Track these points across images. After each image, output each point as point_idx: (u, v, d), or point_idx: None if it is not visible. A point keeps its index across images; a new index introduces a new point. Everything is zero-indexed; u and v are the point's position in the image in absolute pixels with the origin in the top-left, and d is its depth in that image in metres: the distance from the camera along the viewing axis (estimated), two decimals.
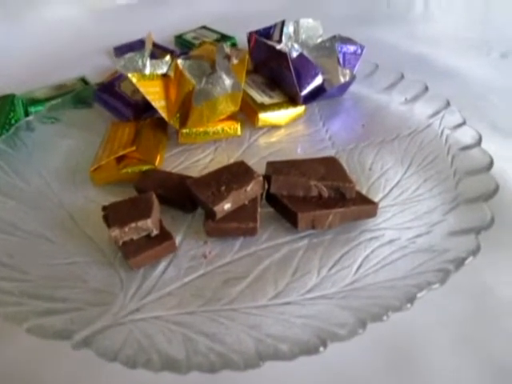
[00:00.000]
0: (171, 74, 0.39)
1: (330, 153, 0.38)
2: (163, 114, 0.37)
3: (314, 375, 0.24)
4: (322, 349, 0.21)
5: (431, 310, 0.27)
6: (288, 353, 0.21)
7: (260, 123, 0.42)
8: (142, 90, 0.37)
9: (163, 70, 0.40)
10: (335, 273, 0.28)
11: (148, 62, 0.41)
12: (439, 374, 0.24)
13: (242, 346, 0.22)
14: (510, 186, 0.34)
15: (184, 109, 0.38)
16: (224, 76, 0.38)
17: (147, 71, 0.39)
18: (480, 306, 0.28)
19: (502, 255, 0.30)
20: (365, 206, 0.32)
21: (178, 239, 0.31)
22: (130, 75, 0.36)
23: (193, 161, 0.39)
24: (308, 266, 0.29)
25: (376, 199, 0.33)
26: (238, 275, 0.29)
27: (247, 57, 0.40)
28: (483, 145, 0.34)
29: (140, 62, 0.40)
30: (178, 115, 0.38)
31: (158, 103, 0.37)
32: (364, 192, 0.34)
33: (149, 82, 0.37)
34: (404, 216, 0.32)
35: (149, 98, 0.37)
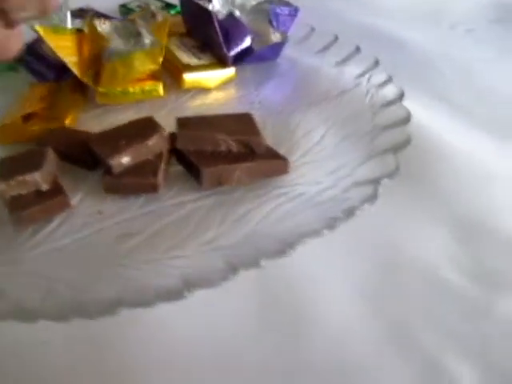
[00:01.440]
0: (88, 32, 0.37)
1: (256, 115, 0.36)
2: (74, 69, 0.35)
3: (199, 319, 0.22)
4: (186, 293, 0.19)
5: (329, 264, 0.26)
6: (149, 298, 0.19)
7: (186, 85, 0.40)
8: (51, 44, 0.35)
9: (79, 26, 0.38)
10: (235, 227, 0.26)
11: (68, 21, 0.39)
12: (329, 325, 0.23)
13: (102, 294, 0.20)
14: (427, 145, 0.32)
15: (98, 66, 0.36)
16: (144, 33, 0.36)
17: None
18: (380, 261, 0.26)
19: (405, 209, 0.29)
20: (275, 161, 0.30)
21: (77, 197, 0.29)
22: (37, 28, 0.34)
23: (111, 122, 0.37)
24: (207, 223, 0.27)
25: (294, 157, 0.31)
26: (132, 231, 0.27)
27: (170, 17, 0.38)
28: (422, 111, 0.32)
29: (57, 19, 0.38)
30: (90, 72, 0.36)
31: (70, 58, 0.35)
32: (283, 151, 0.32)
33: (59, 36, 0.35)
34: (317, 172, 0.30)
35: (59, 53, 0.35)
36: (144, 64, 0.36)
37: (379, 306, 0.24)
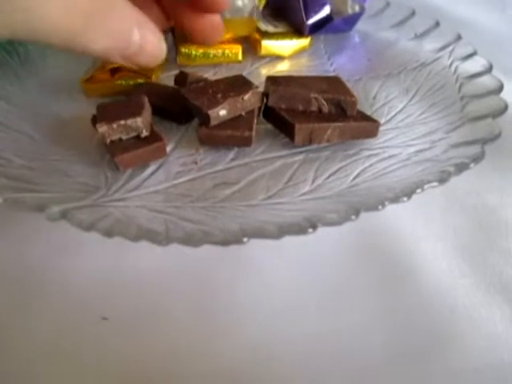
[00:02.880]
0: None
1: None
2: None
3: (300, 259, 0.22)
4: (310, 230, 0.20)
5: (429, 222, 0.26)
6: (274, 231, 0.20)
7: (263, 51, 0.40)
8: None
9: None
10: (331, 181, 0.27)
11: None
12: (430, 278, 0.23)
13: (227, 227, 0.21)
14: None
15: None
16: None
17: None
18: (480, 223, 0.26)
19: (508, 177, 0.28)
20: (366, 123, 0.30)
21: (169, 147, 0.30)
22: None
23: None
24: (303, 176, 0.28)
25: None
26: (229, 181, 0.28)
27: None
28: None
29: None
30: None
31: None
32: None
33: None
34: (406, 136, 0.30)
35: None
36: (240, 30, 0.37)
37: (476, 262, 0.24)
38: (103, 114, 0.28)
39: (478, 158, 0.24)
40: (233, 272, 0.23)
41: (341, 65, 0.41)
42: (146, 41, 0.23)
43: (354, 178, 0.27)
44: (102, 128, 0.27)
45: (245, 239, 0.19)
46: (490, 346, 0.21)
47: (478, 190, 0.28)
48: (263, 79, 0.37)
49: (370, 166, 0.28)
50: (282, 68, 0.41)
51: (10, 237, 0.25)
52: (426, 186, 0.22)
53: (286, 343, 0.21)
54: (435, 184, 0.22)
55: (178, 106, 0.31)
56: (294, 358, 0.20)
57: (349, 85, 0.34)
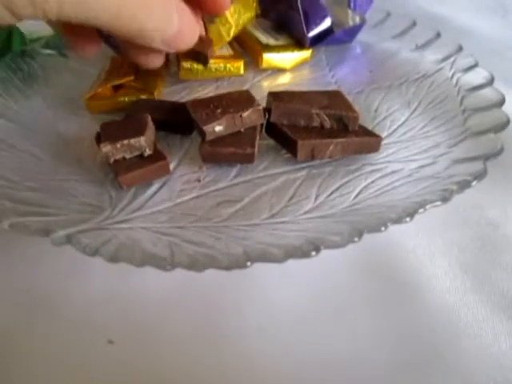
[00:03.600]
0: None
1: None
2: None
3: (304, 277, 0.23)
4: (313, 253, 0.20)
5: (432, 238, 0.26)
6: (278, 255, 0.20)
7: (264, 64, 0.40)
8: None
9: None
10: (333, 199, 0.27)
11: None
12: (435, 297, 0.23)
13: (231, 250, 0.21)
14: None
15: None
16: None
17: None
18: (483, 239, 0.26)
19: (509, 191, 0.29)
20: (368, 138, 0.30)
21: (172, 164, 0.30)
22: None
23: (193, 97, 0.38)
24: (305, 193, 0.28)
25: None
26: (232, 198, 0.28)
27: None
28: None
29: None
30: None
31: None
32: None
33: None
34: (408, 151, 0.30)
35: None
36: (241, 16, 0.37)
37: (480, 280, 0.24)
38: (107, 134, 0.29)
39: (480, 176, 0.24)
40: (237, 291, 0.23)
41: (342, 76, 0.41)
42: (183, 24, 0.24)
43: (357, 196, 0.27)
44: (106, 148, 0.28)
45: (248, 263, 0.19)
46: (494, 363, 0.21)
47: (481, 205, 0.28)
48: (265, 92, 0.37)
49: (373, 182, 0.28)
50: (284, 81, 0.41)
51: (16, 259, 0.25)
52: (428, 206, 0.22)
53: (292, 361, 0.21)
54: (438, 203, 0.22)
55: (180, 118, 0.32)
56: (300, 376, 0.20)
57: (350, 97, 0.34)
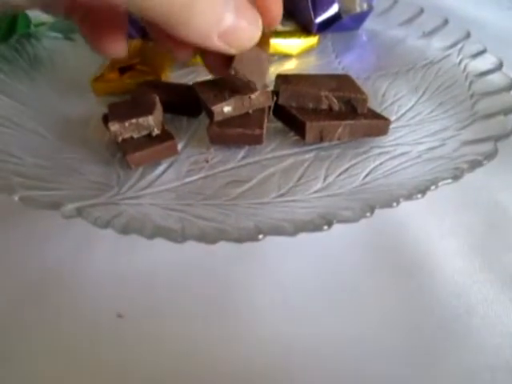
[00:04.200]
0: None
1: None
2: None
3: (314, 257, 0.22)
4: (326, 227, 0.20)
5: (442, 220, 0.26)
6: (289, 228, 0.20)
7: (270, 50, 0.40)
8: None
9: None
10: (343, 179, 0.27)
11: None
12: (444, 276, 0.23)
13: (242, 224, 0.21)
14: None
15: None
16: None
17: None
18: (492, 221, 0.26)
19: None
20: (376, 120, 0.30)
21: (180, 145, 0.30)
22: None
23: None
24: (314, 174, 0.28)
25: None
26: (241, 179, 0.28)
27: None
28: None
29: None
30: None
31: None
32: None
33: None
34: (417, 134, 0.30)
35: None
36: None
37: (489, 259, 0.24)
38: (115, 113, 0.28)
39: (491, 155, 0.24)
40: (247, 269, 0.23)
41: (349, 63, 0.41)
42: (240, 17, 0.22)
43: (366, 176, 0.27)
44: (114, 126, 0.27)
45: (260, 236, 0.19)
46: (504, 343, 0.21)
47: (490, 187, 0.28)
48: (271, 77, 0.37)
49: (381, 163, 0.28)
50: (290, 67, 0.41)
51: (26, 234, 0.25)
52: (440, 183, 0.22)
53: (301, 342, 0.21)
54: (449, 181, 0.22)
55: (188, 100, 0.32)
56: (308, 358, 0.20)
57: (358, 83, 0.34)
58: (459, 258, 0.24)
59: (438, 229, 0.26)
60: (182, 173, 0.28)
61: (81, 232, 0.24)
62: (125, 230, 0.19)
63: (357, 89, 0.31)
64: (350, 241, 0.24)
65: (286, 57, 0.41)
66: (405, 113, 0.33)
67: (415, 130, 0.31)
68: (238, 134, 0.29)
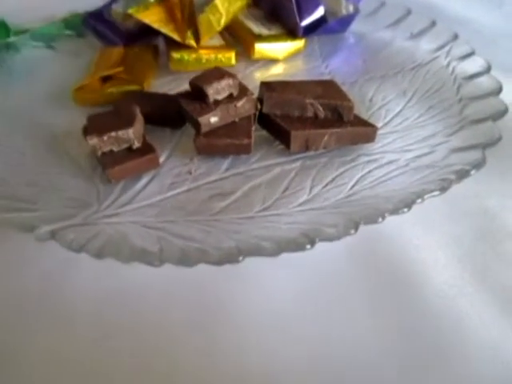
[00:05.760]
0: None
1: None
2: (175, 36, 0.36)
3: (299, 281, 0.22)
4: (308, 246, 0.19)
5: (430, 230, 0.25)
6: (271, 249, 0.19)
7: (256, 54, 0.39)
8: (146, 20, 0.35)
9: None
10: (329, 190, 0.26)
11: None
12: (433, 288, 0.22)
13: (222, 244, 0.20)
14: None
15: (193, 23, 0.36)
16: None
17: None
18: (481, 229, 0.26)
19: (507, 181, 0.28)
20: (363, 128, 0.29)
21: (162, 157, 0.29)
22: (130, 11, 0.34)
23: (183, 88, 0.37)
24: (300, 185, 0.27)
25: None
26: (225, 191, 0.27)
27: None
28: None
29: None
30: (189, 33, 0.36)
31: (167, 28, 0.35)
32: None
33: (150, 10, 0.35)
34: (405, 141, 0.30)
35: (156, 26, 0.35)
36: (231, 4, 0.37)
37: (478, 270, 0.24)
38: (94, 126, 0.28)
39: (478, 165, 0.23)
40: (232, 284, 0.22)
41: (336, 67, 0.40)
42: None
43: (353, 187, 0.26)
44: (93, 140, 0.27)
45: (240, 258, 0.19)
46: (494, 354, 0.20)
47: (478, 194, 0.27)
48: (257, 83, 0.36)
49: (369, 172, 0.27)
50: (277, 71, 0.40)
51: (5, 255, 0.24)
52: (426, 196, 0.21)
53: (288, 354, 0.20)
54: (436, 193, 0.22)
55: (170, 111, 0.31)
56: (297, 369, 0.19)
57: (344, 88, 0.33)
58: (448, 270, 0.23)
59: (426, 239, 0.25)
60: (164, 186, 0.27)
61: (63, 251, 0.23)
62: (100, 254, 0.19)
63: (343, 96, 0.30)
64: (335, 253, 0.24)
65: (272, 61, 0.41)
66: (393, 118, 0.33)
67: (403, 137, 0.30)
68: (225, 144, 0.29)
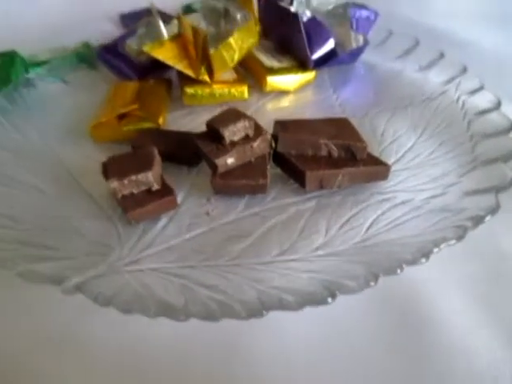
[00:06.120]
0: (184, 32, 0.38)
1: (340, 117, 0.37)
2: (189, 72, 0.37)
3: (320, 329, 0.22)
4: (330, 300, 0.19)
5: (445, 270, 0.26)
6: (293, 303, 0.19)
7: (268, 87, 0.40)
8: (161, 57, 0.36)
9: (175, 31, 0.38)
10: (344, 232, 0.27)
11: (163, 31, 0.40)
12: (450, 332, 0.23)
13: (245, 296, 0.21)
14: None
15: (206, 59, 0.37)
16: (232, 9, 0.37)
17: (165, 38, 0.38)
18: (495, 270, 0.26)
19: None
20: (376, 167, 0.30)
21: (180, 197, 0.30)
22: (145, 48, 0.35)
23: (198, 123, 0.38)
24: (315, 226, 0.28)
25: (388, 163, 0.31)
26: (242, 233, 0.27)
27: None
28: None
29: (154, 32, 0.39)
30: (203, 69, 0.37)
31: (181, 64, 0.36)
32: None
33: (162, 48, 0.36)
34: (417, 179, 0.30)
35: (170, 62, 0.36)
36: (244, 41, 0.37)
37: (494, 314, 0.24)
38: (114, 169, 0.28)
39: (493, 211, 0.24)
40: (252, 336, 0.23)
41: (346, 98, 0.41)
42: None
43: (368, 229, 0.27)
44: (114, 184, 0.27)
45: (264, 312, 0.19)
46: None
47: (493, 234, 0.28)
48: (269, 115, 0.37)
49: (383, 214, 0.28)
50: (288, 103, 0.41)
51: (25, 305, 0.24)
52: (443, 245, 0.22)
53: None
54: (453, 242, 0.22)
55: (187, 150, 0.31)
56: None
57: (355, 121, 0.34)
58: (464, 313, 0.24)
59: (442, 282, 0.25)
60: (183, 227, 0.28)
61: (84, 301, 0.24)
62: (127, 310, 0.19)
63: (356, 135, 0.31)
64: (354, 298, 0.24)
65: (283, 93, 0.41)
66: (404, 154, 0.33)
67: (416, 175, 0.31)
68: (242, 184, 0.29)
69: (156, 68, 0.40)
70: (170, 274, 0.23)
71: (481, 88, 0.35)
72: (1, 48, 0.45)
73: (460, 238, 0.22)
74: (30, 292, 0.24)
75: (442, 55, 0.40)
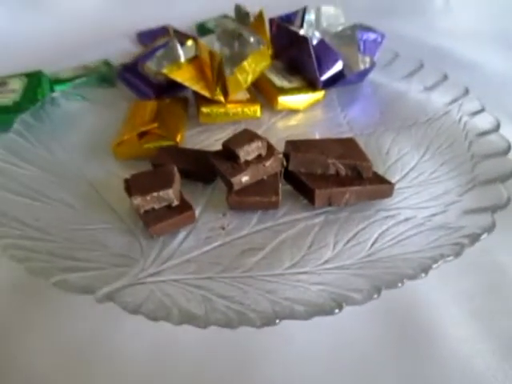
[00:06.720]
0: (200, 55, 0.40)
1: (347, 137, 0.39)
2: (205, 93, 0.39)
3: (327, 337, 0.24)
4: (337, 311, 0.21)
5: (443, 286, 0.27)
6: (303, 313, 0.22)
7: (279, 106, 0.42)
8: (179, 79, 0.38)
9: (191, 54, 0.41)
10: (350, 247, 0.29)
11: (181, 52, 0.42)
12: (449, 346, 0.24)
13: (259, 306, 0.23)
14: None
15: (221, 80, 0.39)
16: (245, 33, 0.39)
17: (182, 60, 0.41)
18: (492, 285, 0.28)
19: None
20: (381, 185, 0.32)
21: (197, 211, 0.32)
22: (164, 71, 0.38)
23: (213, 140, 0.40)
24: (324, 241, 0.30)
25: (392, 181, 0.33)
26: (255, 246, 0.29)
27: (264, 13, 0.42)
28: (501, 131, 0.34)
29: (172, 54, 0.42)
30: (218, 89, 0.39)
31: (198, 85, 0.39)
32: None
33: (180, 70, 0.38)
34: (420, 197, 0.32)
35: (187, 84, 0.38)
36: (257, 64, 0.40)
37: (490, 326, 0.26)
38: (136, 186, 0.31)
39: (489, 229, 0.26)
40: (265, 343, 0.25)
41: (353, 117, 0.43)
42: None
43: (372, 245, 0.29)
44: (137, 200, 0.30)
45: (277, 321, 0.21)
46: None
47: (490, 249, 0.29)
48: (280, 133, 0.40)
49: (387, 230, 0.30)
50: (297, 121, 0.43)
51: (55, 313, 0.27)
52: (441, 262, 0.24)
53: None
54: (450, 258, 0.24)
55: (203, 168, 0.34)
56: None
57: (362, 139, 0.36)
58: (462, 327, 0.26)
59: (441, 294, 0.27)
60: (200, 241, 0.30)
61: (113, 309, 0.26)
62: (153, 317, 0.21)
63: (362, 155, 0.33)
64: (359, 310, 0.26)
65: (293, 111, 0.43)
66: (408, 172, 0.35)
67: (418, 192, 0.33)
68: (255, 201, 0.31)
69: (172, 87, 0.42)
70: (191, 286, 0.25)
71: (482, 110, 0.37)
72: (24, 66, 0.48)
73: (457, 254, 0.24)
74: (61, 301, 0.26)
75: (445, 77, 0.42)
